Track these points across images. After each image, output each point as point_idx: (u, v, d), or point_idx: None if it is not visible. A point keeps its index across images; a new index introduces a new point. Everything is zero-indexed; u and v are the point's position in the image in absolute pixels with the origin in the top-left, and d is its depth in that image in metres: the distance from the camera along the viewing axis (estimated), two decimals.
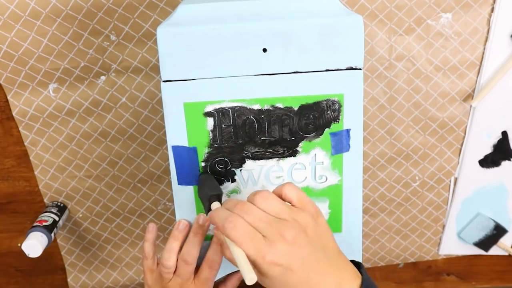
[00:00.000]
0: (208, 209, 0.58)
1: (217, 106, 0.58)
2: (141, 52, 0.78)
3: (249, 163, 0.61)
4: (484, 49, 0.81)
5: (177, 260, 0.62)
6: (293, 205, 0.54)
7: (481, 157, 0.88)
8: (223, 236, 0.52)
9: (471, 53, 0.81)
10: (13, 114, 0.81)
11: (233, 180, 0.62)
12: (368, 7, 0.77)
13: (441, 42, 0.80)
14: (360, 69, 0.58)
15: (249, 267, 0.48)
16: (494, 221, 0.93)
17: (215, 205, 0.57)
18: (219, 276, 0.66)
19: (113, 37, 0.77)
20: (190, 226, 0.63)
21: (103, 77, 0.80)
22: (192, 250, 0.61)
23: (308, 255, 0.51)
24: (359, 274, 0.54)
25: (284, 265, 0.50)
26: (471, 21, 0.79)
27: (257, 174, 0.62)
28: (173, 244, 0.62)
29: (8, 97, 0.79)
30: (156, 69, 0.80)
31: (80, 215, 0.90)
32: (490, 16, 0.79)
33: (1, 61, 0.76)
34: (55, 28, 0.75)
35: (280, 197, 0.55)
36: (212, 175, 0.61)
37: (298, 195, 0.55)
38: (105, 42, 0.77)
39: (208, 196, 0.58)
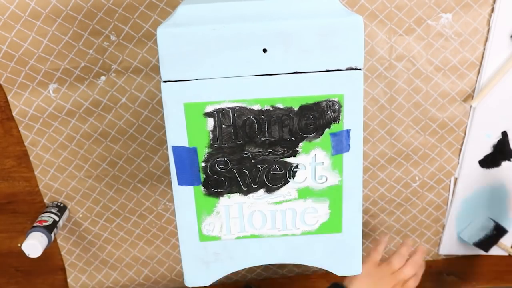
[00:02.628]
0: None
1: (217, 106, 0.58)
2: (141, 52, 0.78)
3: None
4: (484, 49, 0.81)
5: None
6: None
7: (481, 157, 0.88)
8: None
9: (471, 53, 0.81)
10: (13, 114, 0.81)
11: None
12: (368, 7, 0.77)
13: (441, 43, 0.80)
14: (360, 69, 0.58)
15: None
16: (494, 221, 0.93)
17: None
18: (219, 275, 0.67)
19: (113, 37, 0.77)
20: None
21: (103, 77, 0.80)
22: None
23: None
24: None
25: None
26: (471, 21, 0.79)
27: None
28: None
29: (8, 97, 0.80)
30: (156, 69, 0.80)
31: (80, 215, 0.90)
32: (490, 16, 0.79)
33: (1, 61, 0.76)
34: (55, 28, 0.75)
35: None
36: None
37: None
38: (105, 42, 0.77)
39: None
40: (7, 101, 0.80)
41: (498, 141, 0.86)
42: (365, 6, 0.77)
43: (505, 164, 0.88)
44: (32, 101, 0.80)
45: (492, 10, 0.78)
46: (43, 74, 0.78)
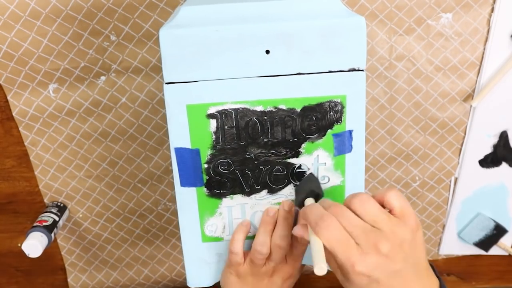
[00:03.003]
0: (300, 203, 0.58)
1: (220, 107, 0.58)
2: (141, 52, 0.78)
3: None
4: (484, 49, 0.81)
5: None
6: (392, 214, 0.52)
7: (481, 157, 0.88)
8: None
9: (471, 53, 0.81)
10: (13, 114, 0.80)
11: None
12: (368, 7, 0.77)
13: (441, 42, 0.80)
14: (362, 70, 0.58)
15: (323, 257, 0.48)
16: (494, 221, 0.93)
17: (309, 201, 0.57)
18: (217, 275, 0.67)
19: (113, 37, 0.77)
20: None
21: (103, 77, 0.80)
22: (286, 233, 0.61)
23: (399, 270, 0.50)
24: None
25: (373, 277, 0.49)
26: (471, 21, 0.79)
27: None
28: (267, 229, 0.62)
29: (8, 97, 0.79)
30: (156, 69, 0.79)
31: (80, 215, 0.90)
32: (490, 16, 0.79)
33: (1, 61, 0.76)
34: (55, 28, 0.75)
35: (382, 202, 0.53)
36: (317, 178, 0.62)
37: (402, 204, 0.52)
38: (105, 42, 0.77)
39: (308, 190, 0.58)
40: (7, 101, 0.80)
41: (498, 141, 0.86)
42: (365, 6, 0.77)
43: (505, 164, 0.88)
44: (32, 101, 0.80)
45: (492, 10, 0.78)
46: (43, 74, 0.78)
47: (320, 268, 0.48)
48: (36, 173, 0.85)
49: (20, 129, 0.82)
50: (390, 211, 0.52)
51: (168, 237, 0.93)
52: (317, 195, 0.59)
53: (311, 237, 0.50)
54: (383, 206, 0.52)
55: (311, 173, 0.62)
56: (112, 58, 0.78)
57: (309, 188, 0.59)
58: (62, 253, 0.93)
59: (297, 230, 0.55)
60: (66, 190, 0.87)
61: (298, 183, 0.62)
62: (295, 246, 0.63)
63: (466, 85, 0.83)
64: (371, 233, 0.49)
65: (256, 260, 0.62)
